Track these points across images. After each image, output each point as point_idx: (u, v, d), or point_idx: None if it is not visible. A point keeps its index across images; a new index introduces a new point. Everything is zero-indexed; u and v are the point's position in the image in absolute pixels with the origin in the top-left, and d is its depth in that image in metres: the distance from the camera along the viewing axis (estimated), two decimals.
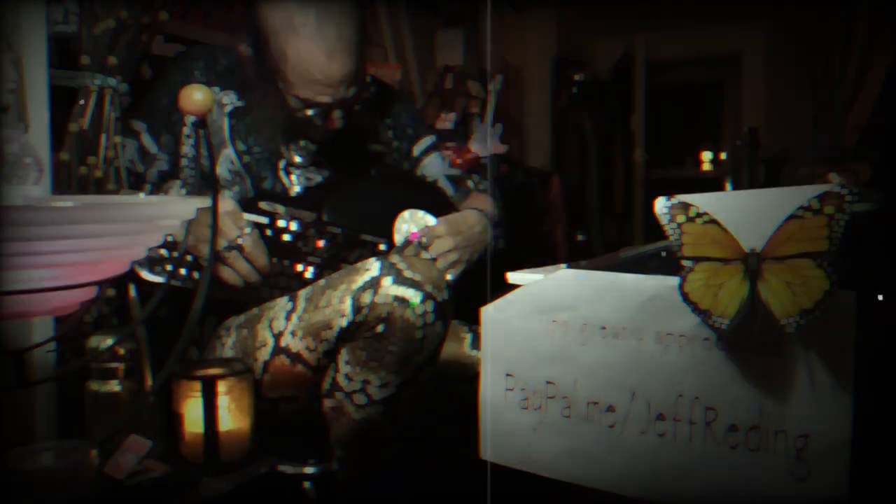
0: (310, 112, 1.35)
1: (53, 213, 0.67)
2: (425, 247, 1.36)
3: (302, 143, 1.44)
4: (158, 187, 1.38)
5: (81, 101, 1.27)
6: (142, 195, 1.34)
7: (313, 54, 1.28)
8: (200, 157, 1.37)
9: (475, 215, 1.45)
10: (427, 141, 1.64)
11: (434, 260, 1.36)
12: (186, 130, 1.37)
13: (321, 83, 1.31)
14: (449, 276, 1.36)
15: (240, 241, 1.20)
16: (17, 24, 1.13)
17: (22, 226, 0.65)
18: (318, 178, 1.46)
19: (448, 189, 1.61)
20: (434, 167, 1.62)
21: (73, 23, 1.25)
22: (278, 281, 1.29)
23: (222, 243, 1.20)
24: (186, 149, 1.38)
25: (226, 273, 1.22)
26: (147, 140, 1.38)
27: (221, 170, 1.38)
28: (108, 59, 1.27)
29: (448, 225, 1.39)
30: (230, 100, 1.41)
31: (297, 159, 1.44)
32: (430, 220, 1.41)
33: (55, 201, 0.89)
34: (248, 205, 1.28)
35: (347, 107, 1.37)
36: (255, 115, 1.39)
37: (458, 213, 1.45)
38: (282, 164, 1.43)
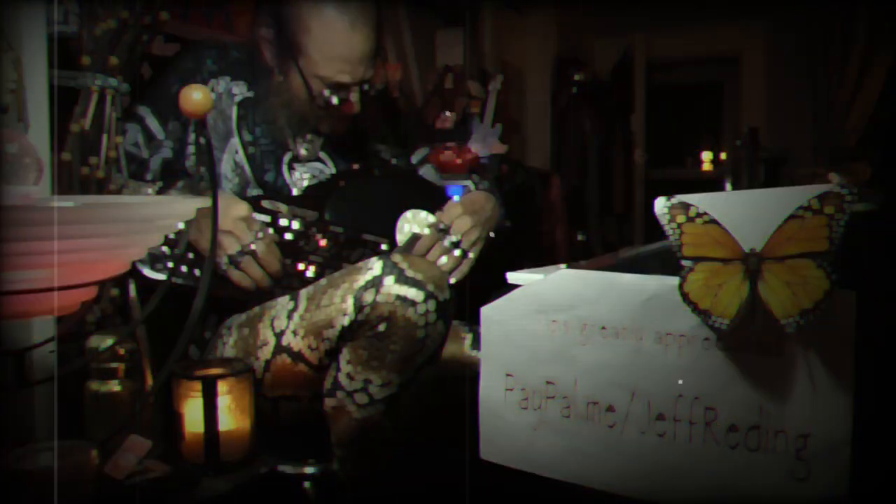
0: (327, 92, 1.36)
1: (53, 213, 0.67)
2: (446, 229, 1.37)
3: (309, 136, 1.45)
4: (160, 176, 1.38)
5: (82, 102, 1.27)
6: (150, 191, 1.33)
7: (337, 24, 1.33)
8: (201, 158, 1.37)
9: (483, 195, 1.48)
10: (423, 152, 1.68)
11: (457, 244, 1.37)
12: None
13: (342, 58, 1.34)
14: (472, 255, 1.39)
15: (253, 246, 1.21)
16: (17, 24, 1.13)
17: (22, 226, 0.65)
18: (321, 175, 1.46)
19: None
20: (428, 177, 1.66)
21: (74, 23, 1.25)
22: (280, 279, 1.29)
23: (235, 247, 1.20)
24: (193, 136, 1.39)
25: (237, 276, 1.22)
26: (154, 124, 1.38)
27: (226, 161, 1.39)
28: (110, 59, 1.27)
29: (464, 205, 1.41)
30: (240, 90, 1.42)
31: (303, 152, 1.45)
32: (432, 219, 1.41)
33: (55, 201, 0.89)
34: (251, 203, 1.28)
35: (364, 90, 1.39)
36: (267, 104, 1.40)
37: (467, 195, 1.46)
38: (286, 158, 1.43)
